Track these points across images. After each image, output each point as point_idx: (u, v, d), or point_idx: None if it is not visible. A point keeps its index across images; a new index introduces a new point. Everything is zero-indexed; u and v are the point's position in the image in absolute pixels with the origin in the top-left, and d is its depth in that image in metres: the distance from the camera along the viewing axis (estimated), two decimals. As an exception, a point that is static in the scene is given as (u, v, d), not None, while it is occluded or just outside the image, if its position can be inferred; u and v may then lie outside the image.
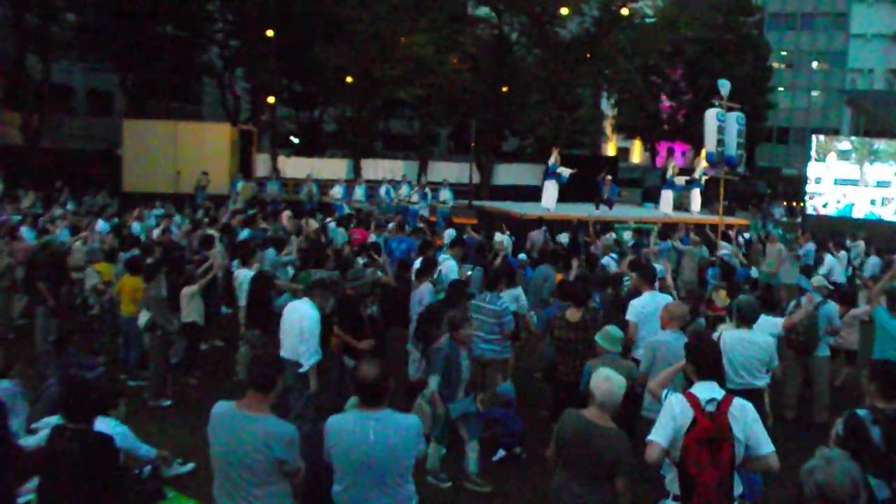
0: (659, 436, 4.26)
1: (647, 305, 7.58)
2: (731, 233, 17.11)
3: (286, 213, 16.21)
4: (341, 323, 8.37)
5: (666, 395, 4.84)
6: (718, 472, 4.12)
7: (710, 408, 4.20)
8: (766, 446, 4.19)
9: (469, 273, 11.71)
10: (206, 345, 11.01)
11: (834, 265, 15.31)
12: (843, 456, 3.25)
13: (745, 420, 4.20)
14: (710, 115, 14.40)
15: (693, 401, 4.27)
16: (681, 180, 22.11)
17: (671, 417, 4.27)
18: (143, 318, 9.07)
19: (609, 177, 22.34)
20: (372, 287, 9.27)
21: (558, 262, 11.72)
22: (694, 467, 4.15)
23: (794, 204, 35.53)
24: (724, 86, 14.79)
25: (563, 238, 16.31)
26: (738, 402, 4.27)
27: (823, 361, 9.19)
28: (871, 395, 4.87)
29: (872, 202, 25.85)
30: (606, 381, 4.58)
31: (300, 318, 7.27)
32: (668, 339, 6.36)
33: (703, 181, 21.74)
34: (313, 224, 15.38)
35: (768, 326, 7.19)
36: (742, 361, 6.47)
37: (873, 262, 16.40)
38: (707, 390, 4.35)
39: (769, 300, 7.96)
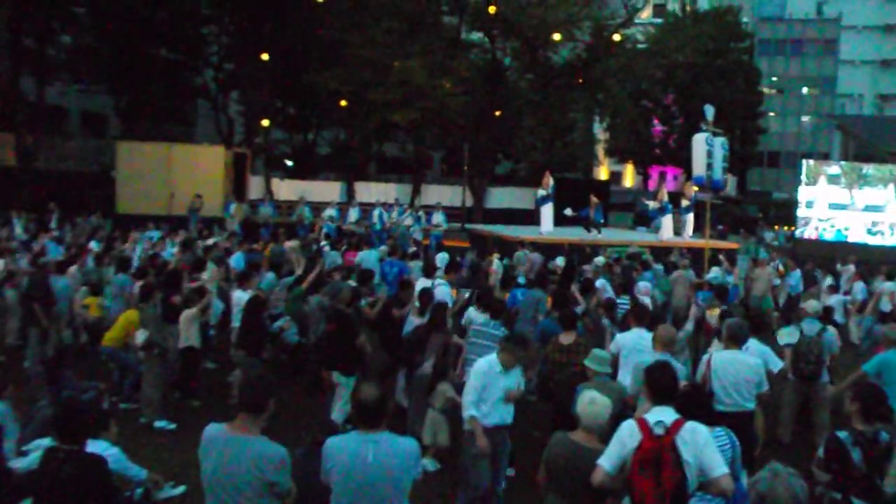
0: (605, 460, 4.30)
1: (631, 341, 7.58)
2: (721, 257, 17.23)
3: (289, 244, 16.19)
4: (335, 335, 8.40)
5: None
6: (660, 494, 4.09)
7: (658, 430, 4.21)
8: (717, 469, 4.15)
9: (465, 296, 11.76)
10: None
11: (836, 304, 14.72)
12: (790, 472, 3.31)
13: (696, 443, 4.17)
14: (699, 140, 14.56)
15: (642, 424, 4.29)
16: (660, 200, 22.22)
17: (620, 442, 4.30)
18: (141, 336, 9.08)
19: (595, 199, 22.45)
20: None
21: (548, 285, 11.74)
22: (637, 489, 4.16)
23: (786, 228, 35.74)
24: (710, 111, 15.01)
25: (559, 261, 16.29)
26: (689, 426, 4.25)
27: (824, 387, 9.10)
28: (853, 417, 4.95)
29: (869, 231, 25.85)
30: (591, 403, 4.63)
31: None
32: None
33: (693, 205, 21.99)
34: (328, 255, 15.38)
35: (763, 355, 7.23)
36: (733, 382, 6.43)
37: (860, 287, 16.50)
38: (658, 414, 4.35)
39: (760, 324, 7.98)
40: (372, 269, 13.27)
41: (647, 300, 10.93)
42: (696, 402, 4.81)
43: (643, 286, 11.34)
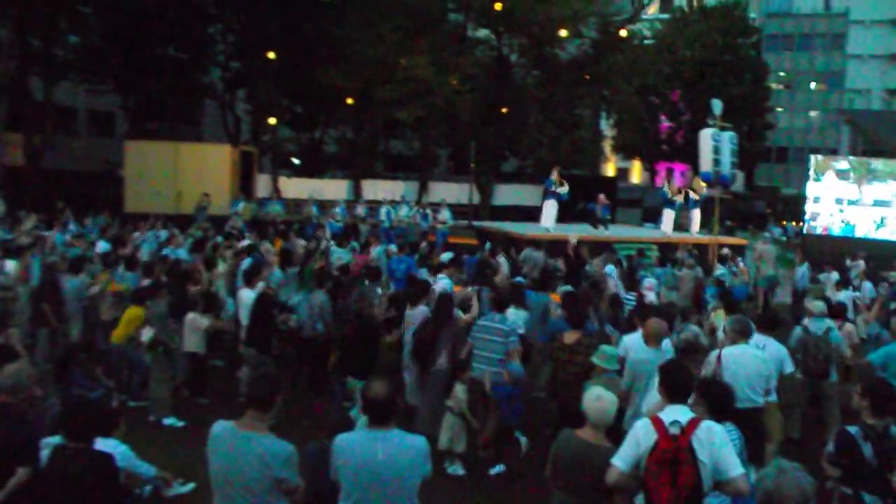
0: (619, 460, 4.26)
1: (637, 342, 7.49)
2: (727, 252, 17.07)
3: (298, 242, 16.23)
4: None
5: None
6: (676, 495, 4.06)
7: (674, 430, 4.16)
8: (733, 469, 4.11)
9: (472, 292, 11.71)
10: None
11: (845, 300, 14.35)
12: (796, 467, 3.30)
13: (712, 443, 4.13)
14: (706, 135, 14.47)
15: (658, 424, 4.25)
16: (679, 197, 22.03)
17: (635, 442, 4.26)
18: (146, 335, 9.11)
19: (603, 196, 22.27)
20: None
21: (556, 284, 11.69)
22: (653, 489, 4.13)
23: (795, 223, 35.62)
24: (717, 105, 14.87)
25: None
26: (705, 426, 4.21)
27: (834, 385, 9.01)
28: (863, 412, 4.92)
29: (880, 223, 25.64)
30: (598, 400, 4.59)
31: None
32: (647, 357, 6.36)
33: (700, 200, 21.81)
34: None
35: (779, 354, 7.17)
36: (745, 376, 6.37)
37: (869, 284, 16.28)
38: (674, 413, 4.31)
39: (770, 321, 7.84)
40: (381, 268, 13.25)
41: (651, 296, 10.88)
42: (724, 401, 4.71)
43: (647, 282, 11.29)
